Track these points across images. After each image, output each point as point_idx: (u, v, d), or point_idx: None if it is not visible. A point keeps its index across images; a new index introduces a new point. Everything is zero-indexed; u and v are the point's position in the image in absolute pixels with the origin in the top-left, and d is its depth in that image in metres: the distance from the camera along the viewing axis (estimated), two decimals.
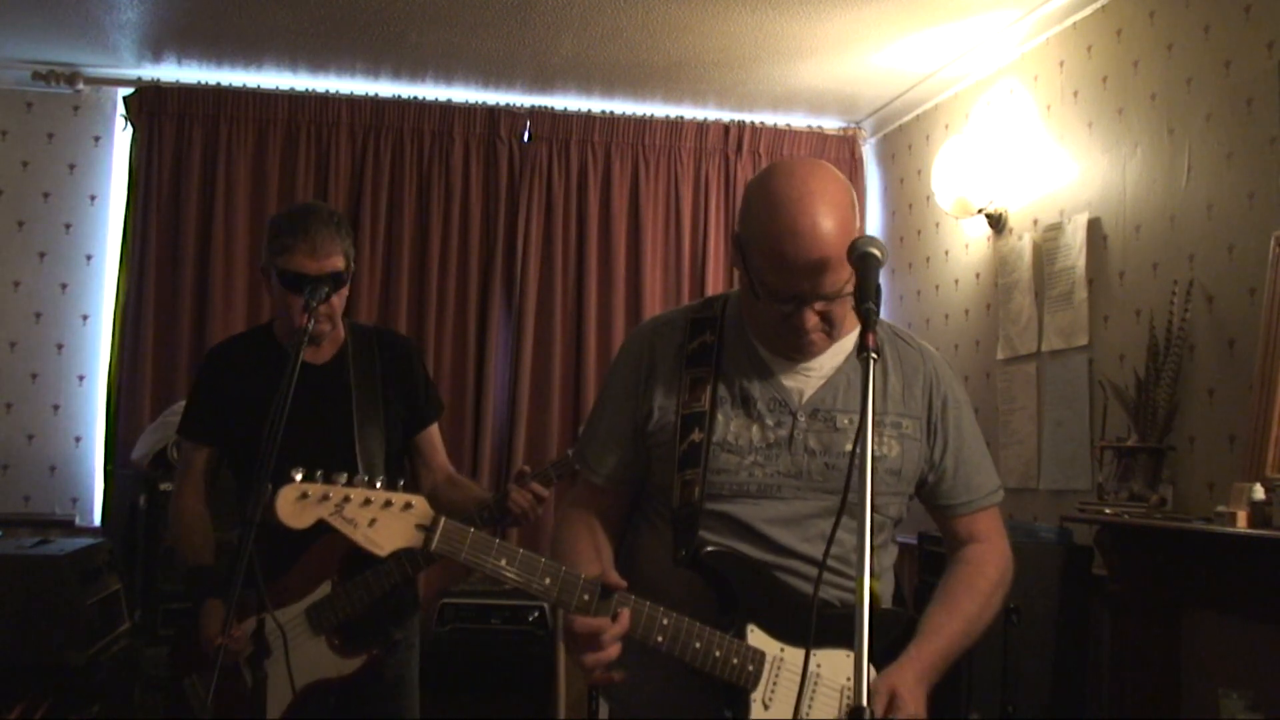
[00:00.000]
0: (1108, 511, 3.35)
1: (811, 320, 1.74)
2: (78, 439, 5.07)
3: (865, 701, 1.33)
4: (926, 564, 4.02)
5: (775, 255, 1.70)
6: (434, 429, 2.82)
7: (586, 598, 1.70)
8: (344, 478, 1.67)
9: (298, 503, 1.66)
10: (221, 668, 2.34)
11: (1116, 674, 3.46)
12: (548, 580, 1.71)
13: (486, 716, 4.23)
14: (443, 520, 1.69)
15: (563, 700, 4.16)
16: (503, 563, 1.70)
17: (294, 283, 2.53)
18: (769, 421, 1.82)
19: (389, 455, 2.69)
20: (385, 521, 1.67)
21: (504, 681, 4.36)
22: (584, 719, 4.32)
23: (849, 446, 1.78)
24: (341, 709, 2.64)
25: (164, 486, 4.38)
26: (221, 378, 2.69)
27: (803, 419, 1.82)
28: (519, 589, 1.74)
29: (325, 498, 1.66)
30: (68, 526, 4.95)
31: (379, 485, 1.67)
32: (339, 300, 2.60)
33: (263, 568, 2.59)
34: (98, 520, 5.00)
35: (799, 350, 1.81)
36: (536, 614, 4.39)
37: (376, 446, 2.65)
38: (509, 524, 2.68)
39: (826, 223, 1.68)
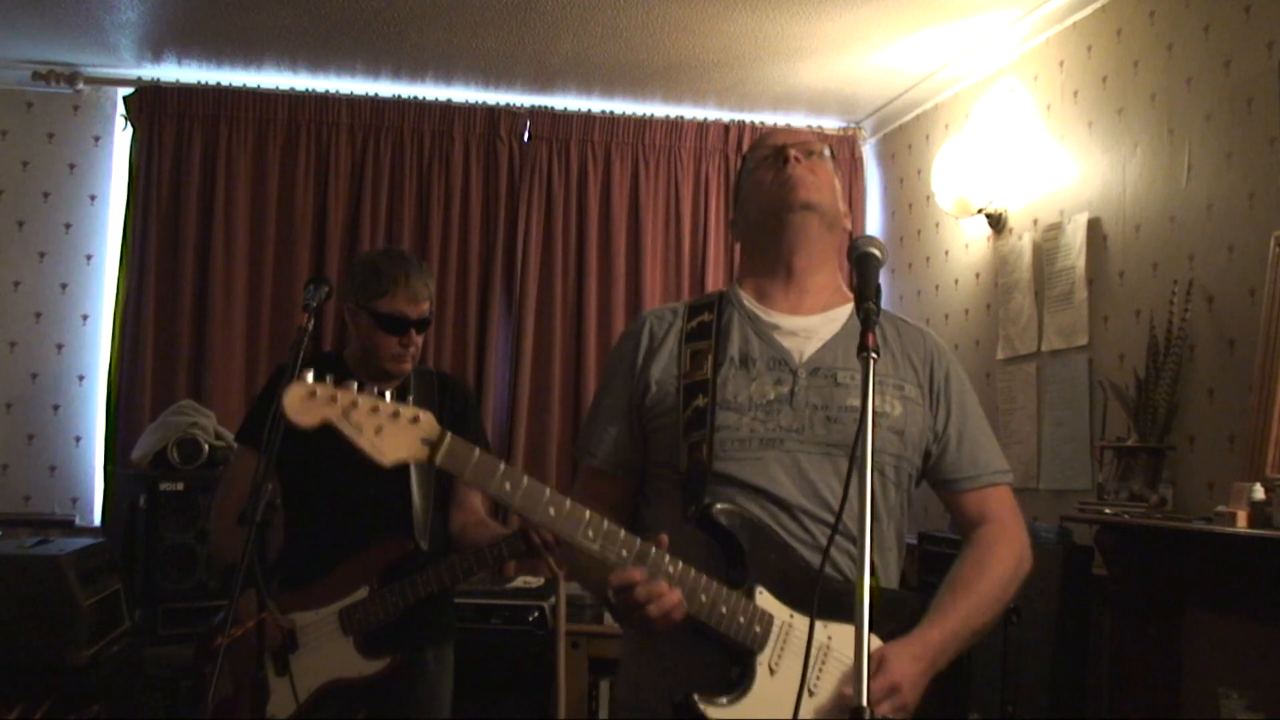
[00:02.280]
0: (1108, 511, 3.35)
1: (795, 165, 1.91)
2: (78, 439, 5.07)
3: (865, 701, 1.33)
4: (926, 564, 4.02)
5: (763, 140, 1.99)
6: None
7: (591, 534, 1.66)
8: (355, 385, 1.62)
9: (305, 400, 1.60)
10: (244, 662, 2.43)
11: (1116, 674, 3.45)
12: (552, 511, 1.66)
13: (486, 716, 4.23)
14: (449, 436, 1.64)
15: (563, 700, 4.16)
16: (506, 487, 1.65)
17: (393, 325, 2.71)
18: (769, 379, 1.85)
19: (440, 488, 2.82)
20: (392, 431, 1.62)
21: (504, 681, 4.35)
22: (584, 719, 4.32)
23: (851, 401, 1.82)
24: (368, 711, 2.71)
25: (164, 486, 4.38)
26: None
27: (804, 376, 1.85)
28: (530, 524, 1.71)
29: (333, 399, 1.61)
30: (68, 526, 4.94)
31: (388, 397, 1.63)
32: (420, 339, 2.80)
33: (304, 571, 2.65)
34: (98, 520, 4.99)
35: (790, 191, 1.91)
36: (536, 614, 4.38)
37: (428, 476, 2.76)
38: (533, 556, 2.74)
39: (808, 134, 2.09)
